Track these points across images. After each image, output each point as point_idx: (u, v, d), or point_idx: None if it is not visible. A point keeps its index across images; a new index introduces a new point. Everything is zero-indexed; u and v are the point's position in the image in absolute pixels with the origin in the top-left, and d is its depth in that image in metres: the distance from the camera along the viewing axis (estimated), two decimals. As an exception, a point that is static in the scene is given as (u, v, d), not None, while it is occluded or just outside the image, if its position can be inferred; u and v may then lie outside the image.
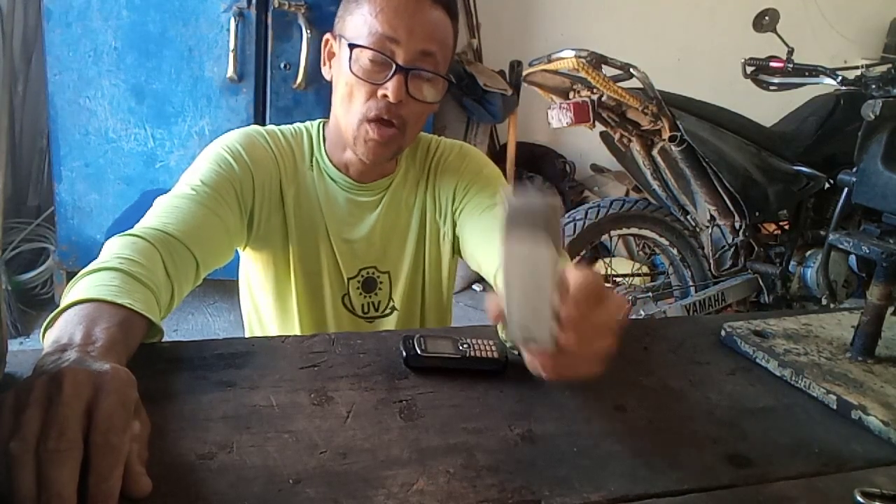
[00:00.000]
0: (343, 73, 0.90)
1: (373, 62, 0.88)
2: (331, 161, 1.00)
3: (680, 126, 1.90)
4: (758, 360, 0.78)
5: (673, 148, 1.94)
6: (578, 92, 1.96)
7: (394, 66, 0.87)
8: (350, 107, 0.91)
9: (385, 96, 0.88)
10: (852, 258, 2.14)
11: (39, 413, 0.44)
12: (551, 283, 0.53)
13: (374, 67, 0.88)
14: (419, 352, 0.67)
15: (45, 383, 0.46)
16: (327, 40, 0.96)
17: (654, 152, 2.05)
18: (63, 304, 0.61)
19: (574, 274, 0.55)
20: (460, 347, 0.68)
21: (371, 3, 0.88)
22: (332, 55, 0.96)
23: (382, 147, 0.92)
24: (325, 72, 0.98)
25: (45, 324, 0.60)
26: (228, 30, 2.27)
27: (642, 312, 2.08)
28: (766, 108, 2.48)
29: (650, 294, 2.17)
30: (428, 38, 0.89)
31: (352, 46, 0.88)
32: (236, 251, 0.97)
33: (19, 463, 0.42)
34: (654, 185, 2.18)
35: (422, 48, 0.88)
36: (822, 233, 2.23)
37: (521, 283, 0.53)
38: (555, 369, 0.57)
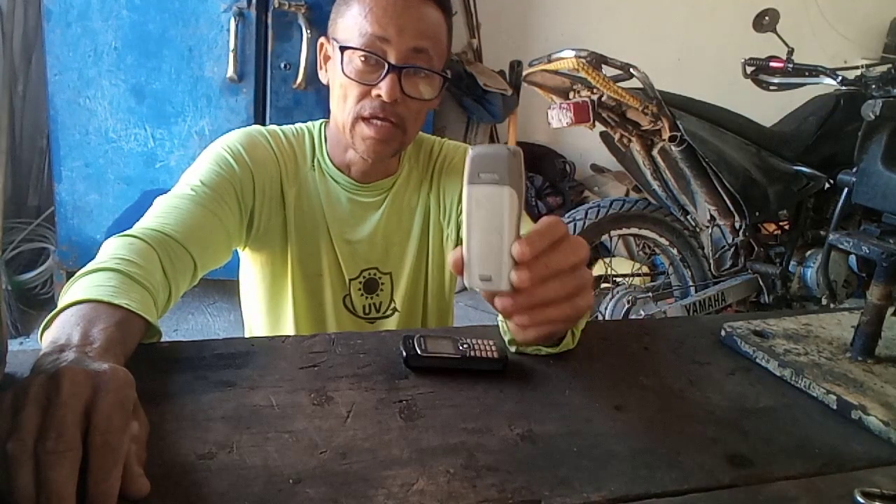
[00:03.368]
0: (337, 75, 0.91)
1: (365, 63, 0.88)
2: (332, 162, 1.00)
3: (680, 126, 1.90)
4: (758, 360, 0.78)
5: (673, 148, 1.94)
6: (578, 92, 1.96)
7: (386, 66, 0.87)
8: (344, 107, 0.91)
9: (379, 96, 0.88)
10: (852, 258, 2.14)
11: (37, 413, 0.44)
12: (511, 226, 0.54)
13: (366, 68, 0.88)
14: (419, 352, 0.67)
15: (44, 383, 0.46)
16: (322, 44, 0.97)
17: (654, 152, 2.05)
18: (60, 304, 0.60)
19: (537, 224, 0.56)
20: (460, 347, 0.68)
21: (360, 4, 0.88)
22: (327, 58, 0.97)
23: (382, 144, 0.92)
24: (322, 75, 0.98)
25: (42, 324, 0.60)
26: (228, 30, 2.27)
27: (642, 312, 2.08)
28: (766, 108, 2.48)
29: (650, 294, 2.17)
30: (419, 34, 0.88)
31: (343, 49, 0.88)
32: (235, 251, 0.97)
33: (17, 463, 0.42)
34: (654, 185, 2.18)
35: (413, 45, 0.88)
36: (822, 233, 2.23)
37: (481, 225, 0.55)
38: (515, 309, 0.56)
